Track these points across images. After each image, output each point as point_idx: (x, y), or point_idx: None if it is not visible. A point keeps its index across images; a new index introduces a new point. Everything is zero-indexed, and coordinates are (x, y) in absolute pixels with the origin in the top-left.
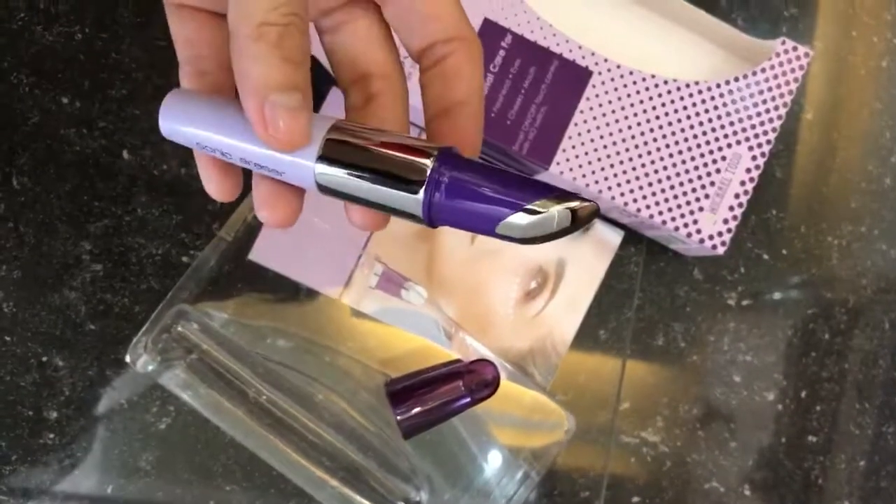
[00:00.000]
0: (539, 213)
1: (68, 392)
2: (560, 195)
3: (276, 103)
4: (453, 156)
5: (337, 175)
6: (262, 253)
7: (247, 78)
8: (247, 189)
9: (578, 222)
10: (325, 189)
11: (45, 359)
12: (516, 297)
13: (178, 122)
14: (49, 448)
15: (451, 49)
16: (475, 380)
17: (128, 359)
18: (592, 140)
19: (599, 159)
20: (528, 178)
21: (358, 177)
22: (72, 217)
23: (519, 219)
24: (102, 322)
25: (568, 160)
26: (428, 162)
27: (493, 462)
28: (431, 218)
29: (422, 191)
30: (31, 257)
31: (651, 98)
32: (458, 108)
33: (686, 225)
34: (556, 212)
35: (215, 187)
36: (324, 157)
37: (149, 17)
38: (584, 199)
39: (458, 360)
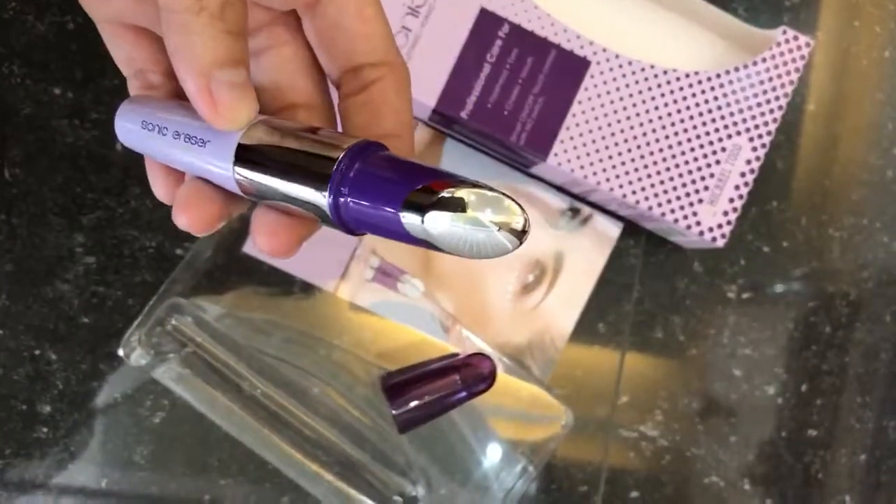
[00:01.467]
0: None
1: (62, 386)
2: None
3: (221, 81)
4: (371, 150)
5: (251, 173)
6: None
7: (188, 56)
8: None
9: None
10: (244, 188)
11: (38, 352)
12: (514, 290)
13: (130, 125)
14: (43, 442)
15: (380, 75)
16: (472, 374)
17: (121, 352)
18: (591, 131)
19: (598, 150)
20: (435, 170)
21: (269, 173)
22: (64, 209)
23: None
24: (96, 315)
25: (566, 151)
26: (336, 155)
27: (491, 456)
28: (342, 220)
29: (326, 189)
30: (23, 250)
31: (650, 88)
32: (388, 141)
33: (685, 217)
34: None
35: (162, 189)
36: (241, 154)
37: None
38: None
39: (454, 354)
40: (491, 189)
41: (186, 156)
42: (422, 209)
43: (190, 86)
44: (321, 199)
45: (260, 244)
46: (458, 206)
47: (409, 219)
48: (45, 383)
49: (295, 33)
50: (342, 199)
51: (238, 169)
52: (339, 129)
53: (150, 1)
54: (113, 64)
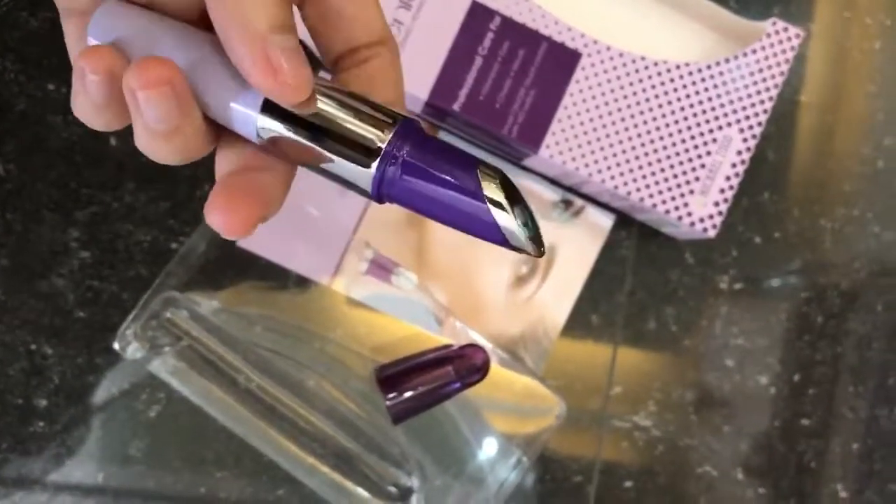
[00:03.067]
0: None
1: (58, 380)
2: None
3: (280, 46)
4: (415, 130)
5: (278, 128)
6: (252, 239)
7: (241, 24)
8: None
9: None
10: (265, 141)
11: (33, 347)
12: (507, 282)
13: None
14: (39, 436)
15: (376, 52)
16: (465, 365)
17: (116, 346)
18: (582, 123)
19: (589, 142)
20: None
21: (302, 135)
22: (59, 204)
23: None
24: (91, 309)
25: (557, 143)
26: (383, 135)
27: (486, 447)
28: (381, 195)
29: (374, 166)
30: (18, 245)
31: (641, 80)
32: None
33: (677, 208)
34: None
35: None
36: (268, 107)
37: None
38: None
39: (448, 346)
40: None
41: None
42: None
43: (245, 52)
44: (365, 171)
45: (215, 221)
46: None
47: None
48: (40, 378)
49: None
50: (393, 172)
51: (263, 119)
52: None
53: None
54: None
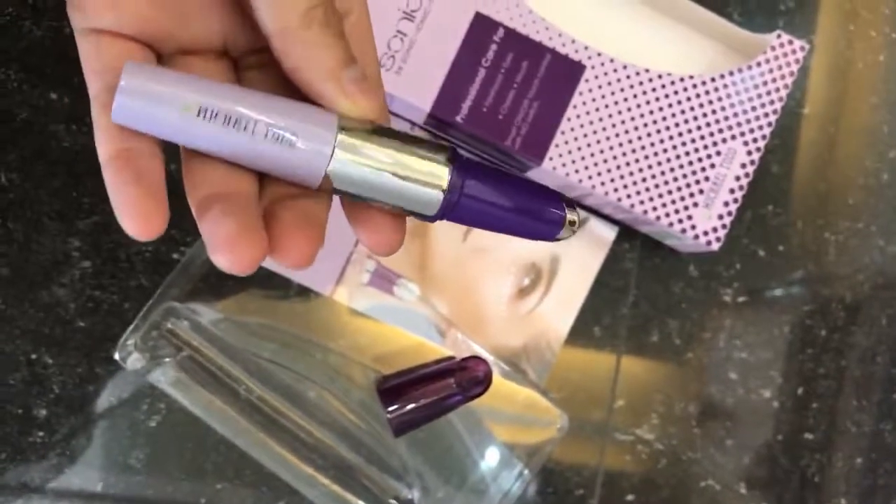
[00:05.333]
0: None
1: (58, 390)
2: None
3: (352, 78)
4: (464, 158)
5: (352, 164)
6: None
7: (314, 66)
8: None
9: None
10: (334, 182)
11: (34, 356)
12: (509, 294)
13: (155, 104)
14: (39, 446)
15: (348, 8)
16: (467, 377)
17: (117, 356)
18: (585, 135)
19: (593, 154)
20: (540, 186)
21: (376, 168)
22: (61, 213)
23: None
24: (92, 319)
25: (561, 155)
26: (446, 165)
27: (487, 459)
28: (444, 216)
29: (441, 192)
30: (19, 254)
31: (645, 92)
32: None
33: (680, 221)
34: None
35: (136, 221)
36: (341, 145)
37: None
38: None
39: (450, 357)
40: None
41: (269, 148)
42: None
43: (326, 89)
44: (431, 201)
45: (221, 262)
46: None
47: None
48: (41, 387)
49: None
50: (453, 202)
51: (339, 157)
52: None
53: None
54: None
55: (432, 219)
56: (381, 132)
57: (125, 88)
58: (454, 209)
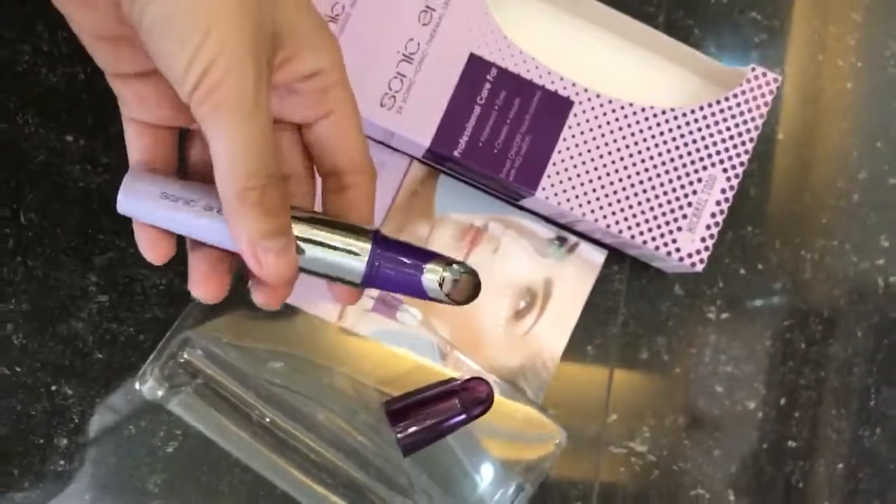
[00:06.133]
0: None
1: (78, 419)
2: (447, 261)
3: (265, 248)
4: (382, 236)
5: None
6: None
7: (239, 232)
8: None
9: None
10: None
11: (54, 388)
12: (506, 316)
13: (141, 197)
14: (60, 474)
15: (355, 181)
16: (470, 397)
17: (137, 386)
18: (575, 166)
19: (583, 184)
20: (427, 251)
21: (317, 248)
22: (77, 250)
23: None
24: (109, 350)
25: (553, 185)
26: (367, 241)
27: (486, 476)
28: (368, 280)
29: (364, 263)
30: (38, 290)
31: (630, 125)
32: None
33: (666, 244)
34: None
35: (153, 252)
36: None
37: None
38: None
39: (453, 379)
40: (458, 261)
41: (216, 225)
42: (437, 274)
43: (244, 252)
44: (359, 264)
45: (198, 293)
46: (452, 272)
47: (427, 280)
48: (61, 417)
49: (295, 130)
50: (377, 265)
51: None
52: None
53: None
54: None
55: (361, 286)
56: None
57: (122, 192)
58: (377, 278)
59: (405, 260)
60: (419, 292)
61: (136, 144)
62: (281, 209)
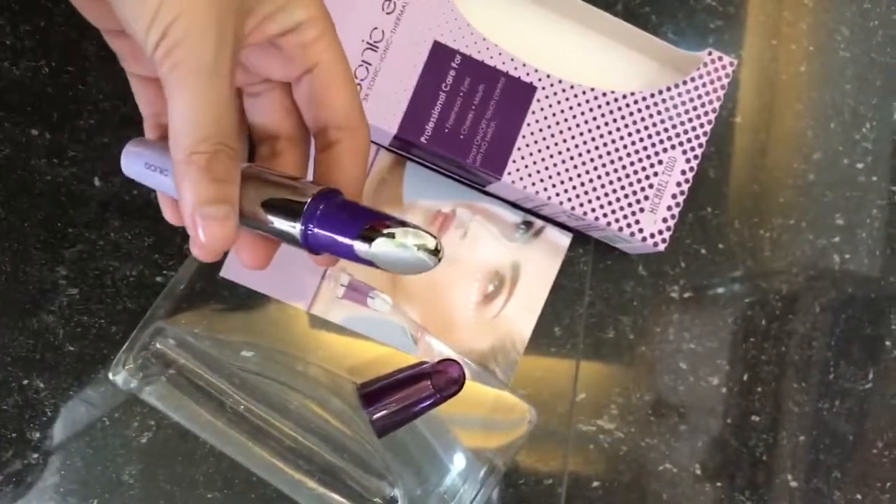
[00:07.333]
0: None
1: (50, 413)
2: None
3: (204, 214)
4: (331, 195)
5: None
6: (233, 269)
7: (182, 194)
8: None
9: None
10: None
11: (25, 381)
12: (476, 300)
13: (134, 163)
14: (33, 468)
15: (340, 137)
16: (442, 379)
17: (110, 376)
18: (540, 150)
19: (547, 168)
20: (364, 215)
21: (256, 209)
22: (46, 244)
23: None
24: (81, 343)
25: (518, 170)
26: (306, 199)
27: (461, 456)
28: (309, 245)
29: (299, 222)
30: (8, 284)
31: (592, 110)
32: (342, 189)
33: (629, 225)
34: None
35: (170, 212)
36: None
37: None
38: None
39: (424, 363)
40: (413, 225)
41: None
42: (369, 239)
43: (183, 213)
44: (295, 229)
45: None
46: (391, 235)
47: (359, 246)
48: (34, 411)
49: (285, 89)
50: (310, 231)
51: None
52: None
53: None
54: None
55: (307, 249)
56: (267, 178)
57: (122, 160)
58: (313, 238)
59: (337, 228)
60: (357, 260)
61: (141, 98)
62: (228, 178)
